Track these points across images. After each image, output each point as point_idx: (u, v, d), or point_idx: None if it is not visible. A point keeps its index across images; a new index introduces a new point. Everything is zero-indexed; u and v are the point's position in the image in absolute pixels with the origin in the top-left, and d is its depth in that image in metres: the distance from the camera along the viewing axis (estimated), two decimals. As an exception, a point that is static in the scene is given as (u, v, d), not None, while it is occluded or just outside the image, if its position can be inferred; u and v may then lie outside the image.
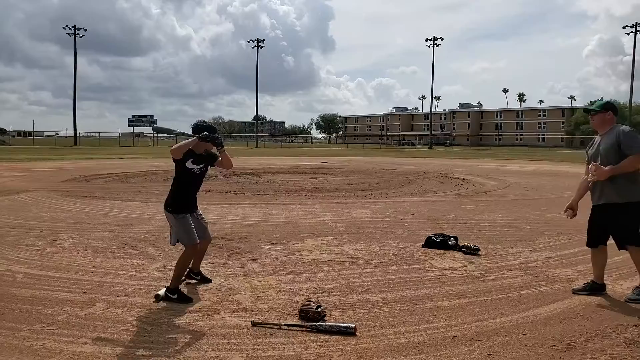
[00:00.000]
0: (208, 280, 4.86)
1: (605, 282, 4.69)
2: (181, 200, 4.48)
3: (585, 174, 4.64)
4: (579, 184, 4.79)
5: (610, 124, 4.49)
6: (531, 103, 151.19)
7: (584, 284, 4.73)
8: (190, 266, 4.73)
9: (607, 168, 4.31)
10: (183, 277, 4.58)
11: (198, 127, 4.47)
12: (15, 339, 3.44)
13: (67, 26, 63.87)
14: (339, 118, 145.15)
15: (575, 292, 4.65)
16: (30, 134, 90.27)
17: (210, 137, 4.30)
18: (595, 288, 4.61)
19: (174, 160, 4.40)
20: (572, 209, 4.71)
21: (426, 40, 73.51)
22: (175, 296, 4.31)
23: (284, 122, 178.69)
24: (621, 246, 4.46)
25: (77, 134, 64.69)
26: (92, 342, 3.42)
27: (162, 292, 4.37)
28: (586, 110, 4.83)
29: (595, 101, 4.78)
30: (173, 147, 4.26)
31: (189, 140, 4.28)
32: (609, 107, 4.54)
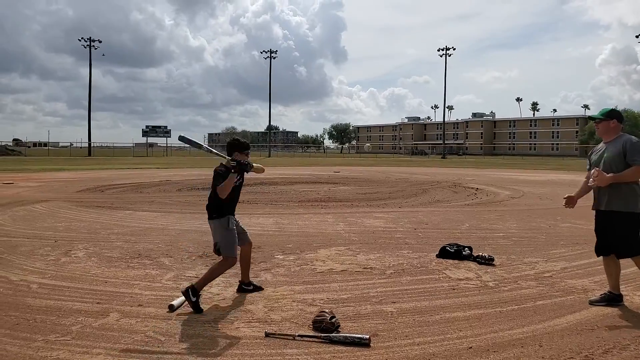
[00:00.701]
0: (259, 288, 4.95)
1: (622, 292, 4.61)
2: (227, 207, 4.59)
3: (586, 177, 4.71)
4: (582, 184, 4.84)
5: (615, 132, 4.49)
6: (544, 112, 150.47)
7: (601, 294, 4.65)
8: (241, 279, 4.91)
9: (609, 175, 4.32)
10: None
11: (231, 144, 4.61)
12: (29, 350, 3.46)
13: (82, 38, 65.00)
14: (351, 128, 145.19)
15: (592, 303, 4.57)
16: (45, 144, 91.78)
17: (241, 166, 4.41)
18: (612, 299, 4.54)
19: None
20: (570, 201, 4.77)
21: (438, 50, 73.49)
22: (194, 299, 4.30)
23: (297, 132, 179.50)
24: (620, 256, 4.44)
25: (92, 145, 65.47)
26: (105, 353, 3.43)
27: (176, 302, 4.38)
28: (591, 117, 4.83)
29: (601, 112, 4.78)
30: (221, 189, 4.38)
31: (230, 179, 4.39)
32: (613, 115, 4.52)
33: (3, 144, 67.17)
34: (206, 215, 4.70)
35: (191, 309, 4.29)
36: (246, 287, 4.90)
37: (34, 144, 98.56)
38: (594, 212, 4.65)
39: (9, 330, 3.82)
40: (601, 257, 4.68)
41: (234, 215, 4.68)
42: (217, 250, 4.60)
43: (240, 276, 4.96)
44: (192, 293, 4.32)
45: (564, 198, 4.82)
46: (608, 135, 4.52)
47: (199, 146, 4.75)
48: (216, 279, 4.82)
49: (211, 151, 4.78)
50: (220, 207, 4.55)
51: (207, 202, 4.68)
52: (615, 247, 4.44)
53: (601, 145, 4.61)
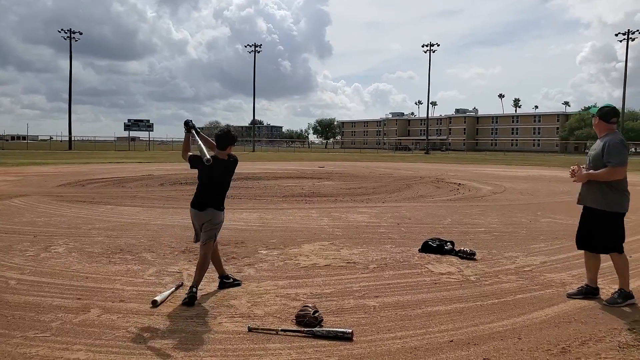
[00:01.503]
0: (238, 284, 4.96)
1: (599, 285, 4.72)
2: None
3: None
4: None
5: (604, 129, 4.57)
6: (526, 109, 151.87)
7: (578, 288, 4.75)
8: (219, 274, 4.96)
9: (585, 173, 4.46)
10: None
11: (217, 135, 4.76)
12: (8, 346, 3.41)
13: (62, 29, 63.81)
14: (336, 123, 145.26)
15: (570, 296, 4.67)
16: (24, 138, 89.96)
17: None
18: (589, 292, 4.65)
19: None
20: (575, 169, 4.62)
21: (423, 46, 73.97)
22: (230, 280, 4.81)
23: (281, 127, 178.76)
24: (598, 251, 4.57)
25: (72, 138, 64.44)
26: (86, 349, 3.39)
27: (159, 297, 4.35)
28: (587, 110, 4.93)
29: (591, 106, 4.89)
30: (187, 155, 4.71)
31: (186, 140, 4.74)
32: (598, 112, 4.60)
33: (-20, 137, 65.75)
34: (188, 210, 4.70)
35: (175, 303, 4.29)
36: (226, 280, 4.91)
37: (12, 137, 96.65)
38: (576, 207, 4.74)
39: (-13, 326, 3.76)
40: (582, 251, 4.78)
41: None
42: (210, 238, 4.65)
43: (217, 272, 4.94)
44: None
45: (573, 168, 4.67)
46: (598, 132, 4.63)
47: (196, 140, 4.69)
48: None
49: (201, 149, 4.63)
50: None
51: (218, 196, 4.74)
52: (595, 242, 4.54)
53: (597, 141, 4.67)
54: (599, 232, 4.49)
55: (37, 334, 3.63)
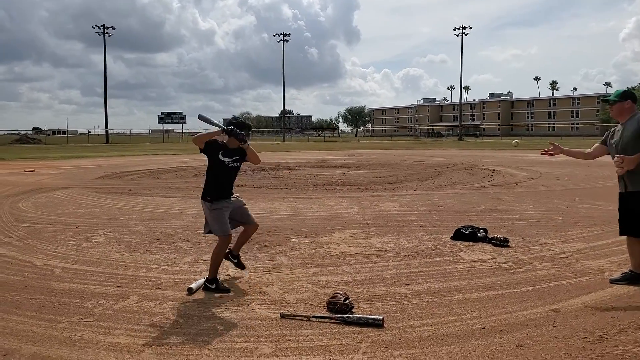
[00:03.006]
0: (242, 267, 4.96)
1: None
2: (214, 190, 4.58)
3: (593, 150, 4.82)
4: (581, 149, 5.05)
5: (630, 112, 4.45)
6: (564, 91, 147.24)
7: (622, 273, 4.64)
8: (231, 247, 4.83)
9: (634, 156, 4.25)
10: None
11: (230, 123, 4.57)
12: (54, 331, 3.59)
13: (96, 25, 65.26)
14: (366, 111, 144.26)
15: (613, 281, 4.56)
16: (64, 132, 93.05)
17: (233, 131, 4.40)
18: (634, 277, 4.52)
19: (202, 150, 4.52)
20: (553, 149, 4.84)
21: (454, 30, 72.59)
22: (213, 286, 4.46)
23: (311, 116, 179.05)
24: None
25: (109, 132, 66.23)
26: (127, 334, 3.54)
27: (194, 285, 4.48)
28: (604, 100, 4.75)
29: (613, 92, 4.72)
30: (194, 136, 4.45)
31: (210, 131, 4.44)
32: (627, 95, 4.48)
33: (24, 132, 68.32)
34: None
35: (209, 291, 4.42)
36: (232, 258, 4.89)
37: (53, 132, 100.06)
38: (617, 192, 4.62)
39: (35, 312, 3.97)
40: (623, 237, 4.66)
41: (228, 199, 4.64)
42: (209, 231, 4.68)
43: (233, 245, 4.88)
44: (210, 283, 4.49)
45: (551, 143, 4.88)
46: (622, 117, 4.48)
47: (212, 122, 4.71)
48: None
49: (219, 125, 4.64)
50: (211, 191, 4.58)
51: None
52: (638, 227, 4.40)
53: (618, 126, 4.55)
54: None
55: (81, 319, 3.81)
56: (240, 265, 4.94)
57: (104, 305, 4.11)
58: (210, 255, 4.66)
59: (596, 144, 4.84)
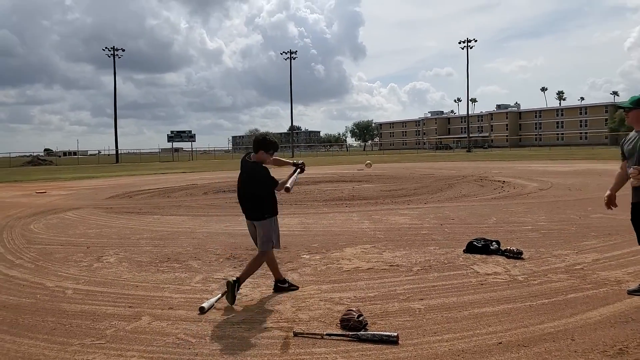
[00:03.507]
0: (295, 287, 5.05)
1: None
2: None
3: (620, 168, 4.56)
4: (616, 176, 4.64)
5: None
6: (571, 101, 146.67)
7: None
8: (275, 277, 5.05)
9: None
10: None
11: (262, 142, 4.92)
12: (66, 354, 3.57)
13: (106, 47, 66.34)
14: (373, 125, 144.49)
15: (631, 292, 4.46)
16: (75, 153, 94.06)
17: (302, 166, 5.42)
18: None
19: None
20: (610, 200, 4.51)
21: (460, 43, 72.70)
22: (285, 285, 4.94)
23: (319, 132, 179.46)
24: None
25: (119, 152, 66.86)
26: (139, 355, 3.51)
27: (206, 304, 4.45)
28: (620, 106, 4.68)
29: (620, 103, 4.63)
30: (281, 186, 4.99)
31: (294, 177, 5.18)
32: None
33: (35, 154, 69.17)
34: (235, 217, 4.84)
35: (222, 309, 4.39)
36: (282, 284, 4.99)
37: (64, 153, 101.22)
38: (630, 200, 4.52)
39: (46, 335, 3.96)
40: (639, 247, 4.56)
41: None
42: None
43: (274, 276, 5.06)
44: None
45: (605, 198, 4.55)
46: (639, 124, 4.40)
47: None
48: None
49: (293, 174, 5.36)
50: (275, 206, 4.98)
51: (250, 204, 4.86)
52: None
53: (633, 134, 4.45)
54: None
55: (93, 341, 3.79)
56: (293, 287, 5.05)
57: (116, 327, 4.09)
58: (221, 273, 4.64)
59: (622, 162, 4.63)
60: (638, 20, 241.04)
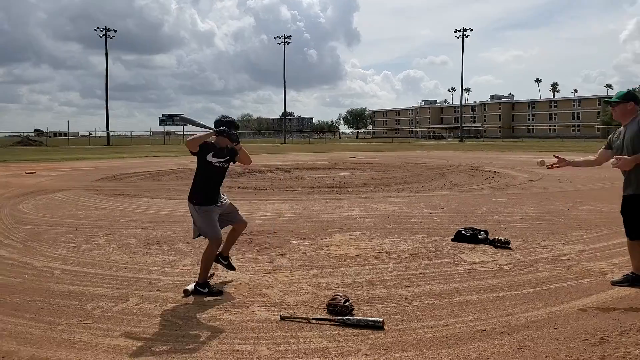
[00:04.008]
0: (232, 268, 4.91)
1: None
2: (204, 193, 4.51)
3: (598, 155, 4.75)
4: (586, 157, 4.99)
5: (632, 114, 4.43)
6: (565, 93, 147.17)
7: (624, 275, 4.61)
8: (220, 249, 4.72)
9: (630, 157, 4.25)
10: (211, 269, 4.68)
11: (219, 122, 4.46)
12: (53, 333, 3.58)
13: (97, 28, 65.28)
14: (367, 112, 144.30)
15: (615, 283, 4.54)
16: (65, 134, 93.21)
17: (225, 131, 4.31)
18: (635, 280, 4.49)
19: (192, 152, 4.39)
20: (559, 162, 4.78)
21: (455, 32, 72.46)
22: (205, 290, 4.41)
23: (312, 118, 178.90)
24: None
25: (110, 134, 66.30)
26: (126, 336, 3.53)
27: (190, 287, 4.46)
28: (607, 101, 4.75)
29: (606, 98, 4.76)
30: (188, 139, 4.32)
31: (204, 133, 4.31)
32: (629, 97, 4.46)
33: (25, 134, 68.44)
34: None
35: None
36: (222, 260, 4.84)
37: (55, 134, 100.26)
38: (618, 193, 4.60)
39: (34, 314, 3.96)
40: (624, 239, 4.63)
41: (217, 204, 4.57)
42: (199, 234, 4.61)
43: (222, 247, 4.78)
44: (201, 287, 4.43)
45: (557, 157, 4.83)
46: (625, 118, 4.46)
47: (196, 123, 4.61)
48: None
49: (205, 126, 4.55)
50: (199, 193, 4.52)
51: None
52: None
53: (621, 128, 4.54)
54: None
55: (80, 321, 3.79)
56: (230, 267, 4.90)
57: (103, 307, 4.10)
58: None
59: (601, 150, 4.77)
60: (635, 13, 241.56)
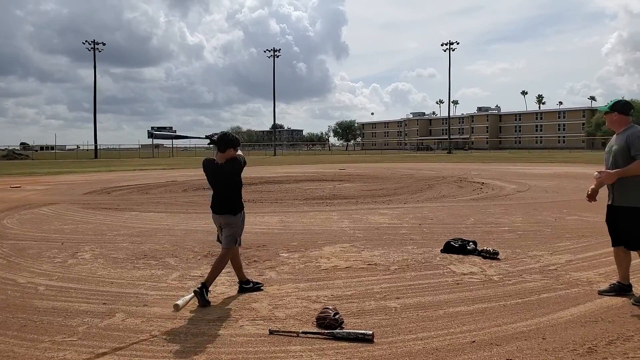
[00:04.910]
0: (258, 286, 5.01)
1: (631, 283, 4.59)
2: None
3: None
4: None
5: (622, 124, 4.43)
6: (550, 105, 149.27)
7: (610, 284, 4.64)
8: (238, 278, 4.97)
9: (613, 171, 4.31)
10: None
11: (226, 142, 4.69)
12: (36, 351, 3.50)
13: (86, 41, 65.04)
14: (356, 125, 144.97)
15: (601, 293, 4.56)
16: (52, 147, 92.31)
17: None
18: (622, 289, 4.52)
19: (241, 169, 4.75)
20: (592, 194, 4.60)
21: (442, 45, 73.25)
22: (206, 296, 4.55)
23: (302, 130, 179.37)
24: (630, 248, 4.44)
25: (98, 147, 65.80)
26: (111, 353, 3.46)
27: (180, 301, 4.40)
28: (601, 110, 4.80)
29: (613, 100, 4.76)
30: (244, 158, 4.80)
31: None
32: (615, 107, 4.46)
33: (10, 148, 67.66)
34: (210, 215, 4.80)
35: (197, 307, 4.35)
36: (246, 285, 4.90)
37: (41, 148, 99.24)
38: (604, 203, 4.62)
39: (16, 332, 3.87)
40: (610, 249, 4.67)
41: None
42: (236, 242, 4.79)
43: (237, 277, 4.97)
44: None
45: (588, 190, 4.64)
46: (616, 128, 4.48)
47: (176, 137, 4.99)
48: (220, 277, 4.87)
49: (187, 137, 5.04)
50: (240, 202, 4.84)
51: (224, 199, 4.74)
52: (625, 240, 4.42)
53: (614, 137, 4.56)
54: (630, 230, 4.33)
55: (64, 338, 3.72)
56: (257, 286, 5.00)
57: (89, 324, 4.03)
58: (198, 271, 4.60)
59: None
60: (615, 27, 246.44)
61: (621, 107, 4.45)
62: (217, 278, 4.79)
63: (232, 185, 4.73)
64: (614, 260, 4.72)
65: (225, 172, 4.66)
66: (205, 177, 4.83)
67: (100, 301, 4.61)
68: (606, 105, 4.56)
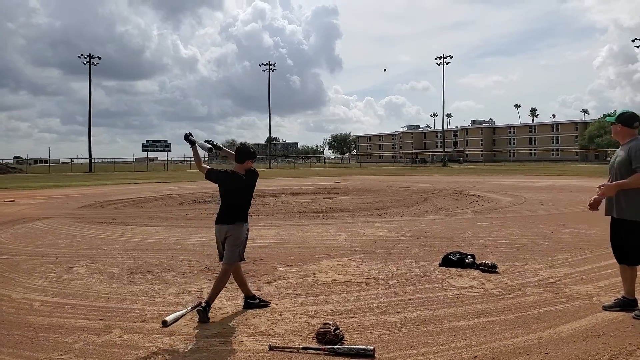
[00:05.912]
0: (266, 305, 4.91)
1: (637, 297, 4.57)
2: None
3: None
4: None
5: (626, 136, 4.44)
6: (544, 117, 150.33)
7: (615, 300, 4.60)
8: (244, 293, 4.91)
9: (613, 184, 4.31)
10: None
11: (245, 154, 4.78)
12: (33, 368, 3.44)
13: (82, 55, 65.13)
14: (351, 137, 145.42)
15: (606, 308, 4.52)
16: (46, 161, 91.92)
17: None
18: (627, 304, 4.47)
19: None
20: (594, 204, 4.57)
21: (435, 59, 73.84)
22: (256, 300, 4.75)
23: (297, 143, 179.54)
24: (633, 263, 4.40)
25: (92, 160, 65.55)
26: (109, 370, 3.40)
27: (169, 317, 4.33)
28: (608, 121, 4.82)
29: (607, 115, 4.81)
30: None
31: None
32: (620, 119, 4.47)
33: (4, 161, 67.31)
34: (211, 229, 4.78)
35: (196, 322, 4.30)
36: (252, 301, 4.84)
37: (35, 161, 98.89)
38: (600, 216, 4.61)
39: (12, 349, 3.81)
40: (609, 262, 4.65)
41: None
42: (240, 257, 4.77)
43: (242, 292, 4.91)
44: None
45: (591, 199, 4.62)
46: (620, 139, 4.50)
47: (210, 148, 4.96)
48: (220, 293, 4.81)
49: (221, 149, 5.15)
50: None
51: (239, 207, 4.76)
52: (628, 254, 4.40)
53: (619, 148, 4.55)
54: (633, 244, 4.32)
55: (60, 356, 3.66)
56: (264, 303, 4.92)
57: (85, 340, 3.97)
58: (195, 285, 4.54)
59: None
60: (606, 41, 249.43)
61: (625, 119, 4.44)
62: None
63: (250, 197, 4.82)
64: (612, 273, 4.73)
65: (248, 183, 4.72)
66: (219, 188, 4.72)
67: (96, 317, 4.55)
68: (613, 116, 4.58)
